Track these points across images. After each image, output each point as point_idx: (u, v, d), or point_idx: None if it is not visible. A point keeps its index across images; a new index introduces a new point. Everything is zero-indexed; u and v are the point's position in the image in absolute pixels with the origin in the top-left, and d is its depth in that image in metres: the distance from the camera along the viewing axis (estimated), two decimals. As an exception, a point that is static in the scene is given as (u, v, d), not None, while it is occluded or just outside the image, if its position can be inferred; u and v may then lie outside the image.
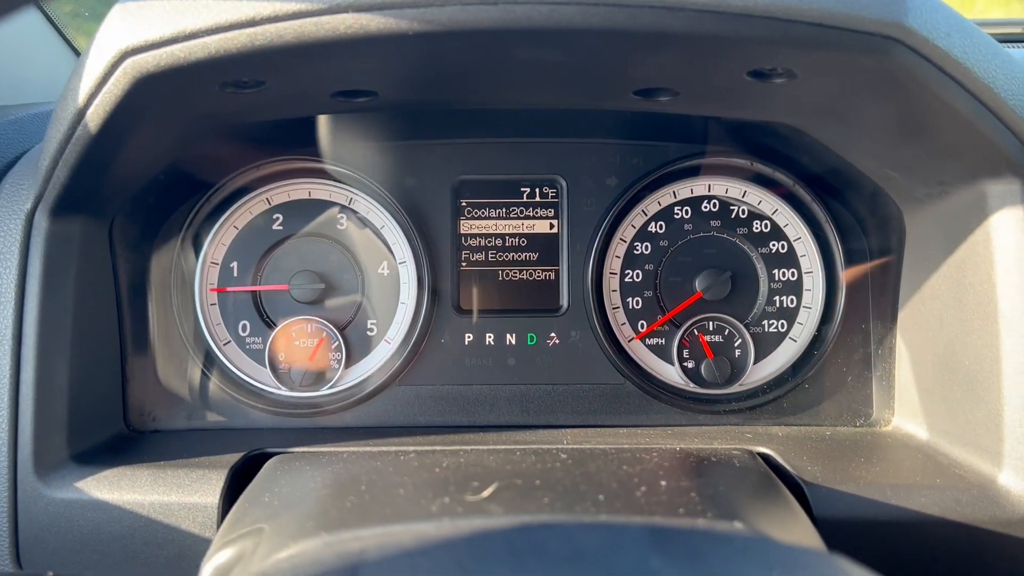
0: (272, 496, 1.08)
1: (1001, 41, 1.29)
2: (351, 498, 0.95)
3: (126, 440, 1.44)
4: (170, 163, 1.39)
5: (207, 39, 1.03)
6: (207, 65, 1.05)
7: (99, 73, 1.09)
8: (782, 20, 1.00)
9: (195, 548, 1.21)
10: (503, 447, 1.32)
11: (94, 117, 1.13)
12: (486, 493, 0.89)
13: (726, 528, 0.83)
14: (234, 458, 1.30)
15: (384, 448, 1.33)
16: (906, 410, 1.47)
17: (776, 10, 0.99)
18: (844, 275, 1.55)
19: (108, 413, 1.43)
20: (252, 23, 1.01)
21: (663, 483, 0.98)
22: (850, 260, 1.56)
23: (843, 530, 1.18)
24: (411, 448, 1.32)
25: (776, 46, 1.03)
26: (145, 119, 1.19)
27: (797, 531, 1.00)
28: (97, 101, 1.11)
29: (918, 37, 1.03)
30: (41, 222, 1.27)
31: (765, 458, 1.30)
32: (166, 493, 1.24)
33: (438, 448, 1.30)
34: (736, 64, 1.09)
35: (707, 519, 0.86)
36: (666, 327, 1.59)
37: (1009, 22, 2.08)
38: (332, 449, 1.32)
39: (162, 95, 1.13)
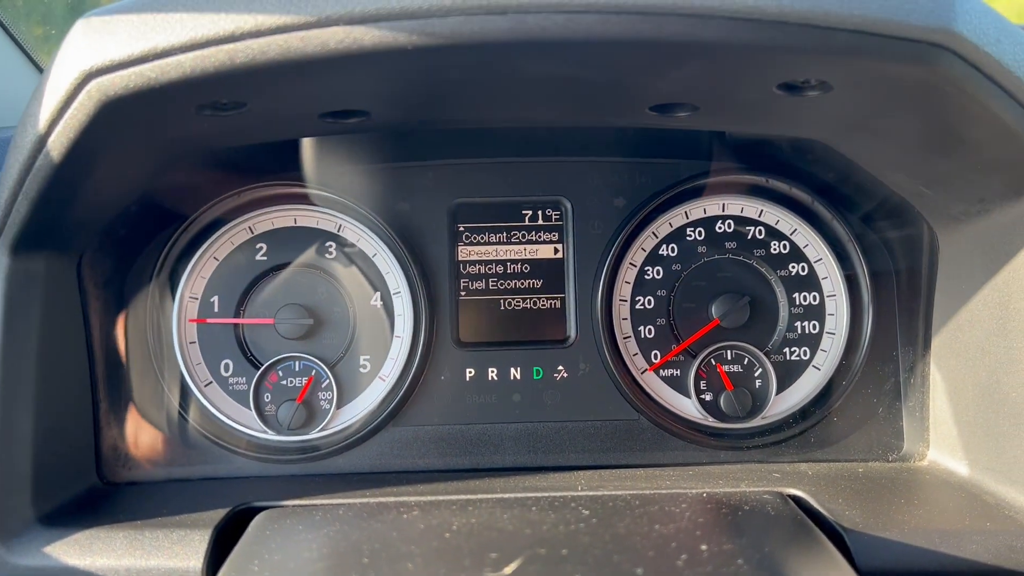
0: (262, 565, 0.96)
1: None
2: (351, 570, 0.84)
3: (99, 495, 1.32)
4: (143, 193, 1.28)
5: (181, 57, 0.92)
6: (182, 86, 0.94)
7: (61, 96, 0.98)
8: (821, 28, 0.90)
9: (176, 618, 1.10)
10: (512, 495, 1.20)
11: (57, 145, 1.02)
12: (509, 571, 0.78)
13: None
14: (218, 515, 1.18)
15: (382, 499, 1.22)
16: (943, 444, 1.37)
17: (815, 17, 0.89)
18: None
19: (79, 466, 1.31)
20: (232, 39, 0.90)
21: (703, 547, 0.88)
22: (875, 282, 1.46)
23: (889, 582, 1.08)
24: (412, 498, 1.21)
25: (814, 56, 0.94)
26: (114, 146, 1.08)
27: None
28: (59, 128, 1.00)
29: (967, 44, 0.94)
30: (1, 259, 1.15)
31: (797, 501, 1.20)
32: (144, 557, 1.12)
33: (441, 498, 1.19)
34: (768, 76, 1.00)
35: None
36: (681, 357, 1.48)
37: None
38: (325, 501, 1.21)
39: (132, 120, 1.02)
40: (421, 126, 1.29)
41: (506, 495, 1.22)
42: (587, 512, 1.00)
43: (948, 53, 0.94)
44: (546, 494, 1.21)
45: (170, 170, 1.26)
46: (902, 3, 0.91)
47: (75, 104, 0.97)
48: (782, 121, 1.19)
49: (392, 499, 1.21)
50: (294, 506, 1.20)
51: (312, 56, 0.90)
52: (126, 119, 1.01)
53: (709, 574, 0.79)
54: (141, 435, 1.40)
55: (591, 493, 1.21)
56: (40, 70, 2.03)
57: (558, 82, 1.05)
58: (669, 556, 0.84)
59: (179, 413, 1.42)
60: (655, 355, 1.49)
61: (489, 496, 1.21)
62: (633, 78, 1.03)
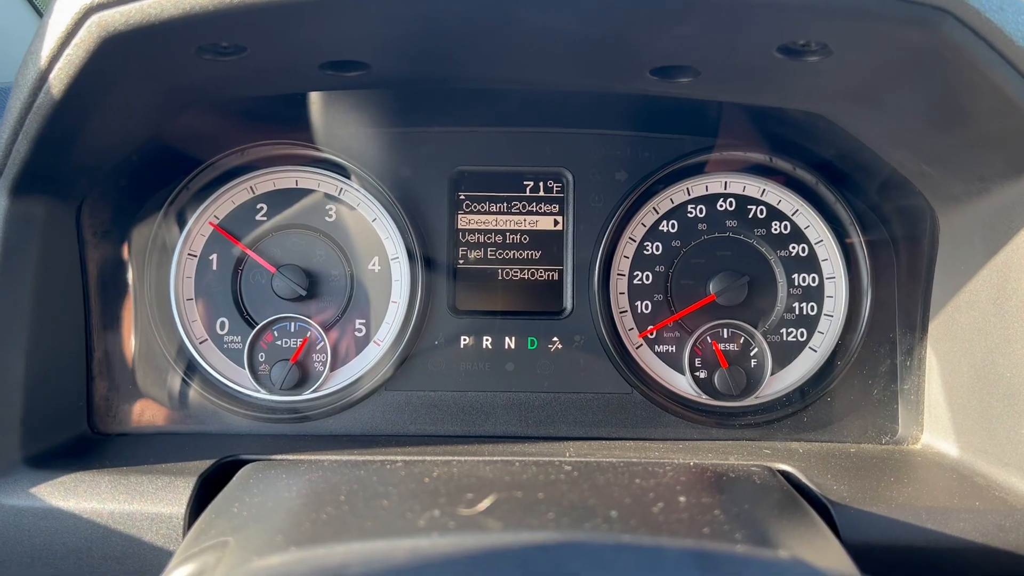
0: (242, 506, 0.96)
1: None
2: (328, 509, 0.84)
3: (89, 443, 1.32)
4: (145, 141, 1.28)
5: (182, -7, 0.92)
6: (181, 24, 0.95)
7: (62, 32, 0.98)
8: (822, -16, 0.89)
9: (158, 562, 1.10)
10: (500, 458, 1.20)
11: (57, 82, 1.02)
12: (482, 506, 0.78)
13: (765, 553, 0.72)
14: (205, 464, 1.18)
15: (371, 457, 1.22)
16: (937, 427, 1.36)
17: (816, -28, 0.89)
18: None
19: (70, 413, 1.32)
20: (231, -24, 0.91)
21: (681, 499, 0.87)
22: (875, 265, 1.45)
23: (874, 555, 1.07)
24: (399, 458, 1.21)
25: (813, 14, 0.93)
26: (115, 86, 1.08)
27: (830, 555, 0.88)
28: (60, 64, 1.01)
29: (969, 9, 0.93)
30: (0, 201, 1.16)
31: (786, 476, 1.19)
32: (128, 502, 1.12)
33: (428, 458, 1.18)
34: (767, 36, 0.99)
35: (739, 541, 0.75)
36: (676, 333, 1.48)
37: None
38: (313, 457, 1.21)
39: (132, 58, 1.03)
40: (422, 83, 1.28)
41: (494, 458, 1.22)
42: (569, 468, 0.99)
43: (949, 17, 0.93)
44: (534, 458, 1.21)
45: (173, 118, 1.26)
46: (904, -36, 0.91)
47: (76, 40, 0.98)
48: (783, 89, 1.19)
49: (379, 457, 1.21)
50: (280, 460, 1.20)
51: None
52: (127, 57, 1.01)
53: (684, 521, 0.78)
54: (133, 387, 1.40)
55: (578, 459, 1.21)
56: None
57: (558, 37, 1.04)
58: (646, 504, 0.83)
59: (173, 368, 1.43)
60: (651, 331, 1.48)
61: (475, 458, 1.21)
62: (633, 34, 1.02)
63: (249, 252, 1.45)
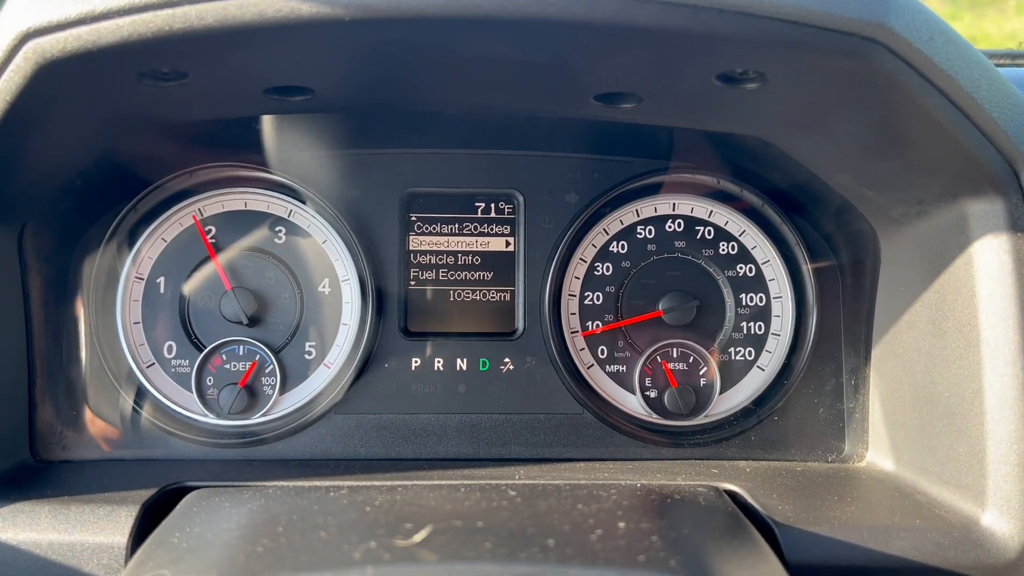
0: (182, 536, 0.95)
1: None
2: (264, 541, 0.83)
3: (30, 471, 1.30)
4: (88, 165, 1.27)
5: (119, 20, 0.92)
6: (120, 51, 0.94)
7: (-2, 59, 0.97)
8: (756, 16, 0.91)
9: (100, 594, 1.08)
10: (448, 483, 1.20)
11: (-5, 109, 1.01)
12: (418, 537, 0.78)
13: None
14: (149, 492, 1.16)
15: (318, 483, 1.21)
16: (880, 445, 1.38)
17: (750, 5, 0.91)
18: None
19: (11, 441, 1.29)
20: (169, 3, 0.90)
21: (621, 524, 0.87)
22: (820, 284, 1.48)
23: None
24: (348, 484, 1.20)
25: (749, 45, 0.95)
26: (54, 112, 1.07)
27: (770, 578, 0.90)
28: (-3, 91, 0.99)
29: (900, 40, 0.95)
30: (-64, 226, 1.14)
31: (732, 495, 1.20)
32: (68, 532, 1.10)
33: (377, 484, 1.18)
34: (705, 65, 1.01)
35: (669, 567, 0.75)
36: (627, 352, 1.49)
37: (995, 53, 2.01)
38: (258, 484, 1.19)
39: (72, 85, 1.02)
40: (367, 108, 1.29)
41: (443, 482, 1.22)
42: (513, 493, 0.99)
43: (881, 48, 0.95)
44: (485, 481, 1.21)
45: (117, 142, 1.25)
46: (837, -5, 0.93)
47: (12, 66, 0.96)
48: (724, 116, 1.20)
49: (326, 483, 1.20)
50: (225, 487, 1.18)
51: (249, 24, 0.90)
52: (65, 83, 1.00)
53: (620, 548, 0.78)
54: (78, 414, 1.38)
55: (526, 481, 1.21)
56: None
57: (499, 64, 1.05)
58: (583, 531, 0.84)
59: (119, 393, 1.41)
60: (602, 351, 1.49)
61: (424, 483, 1.20)
62: (573, 63, 1.04)
63: (216, 262, 1.43)
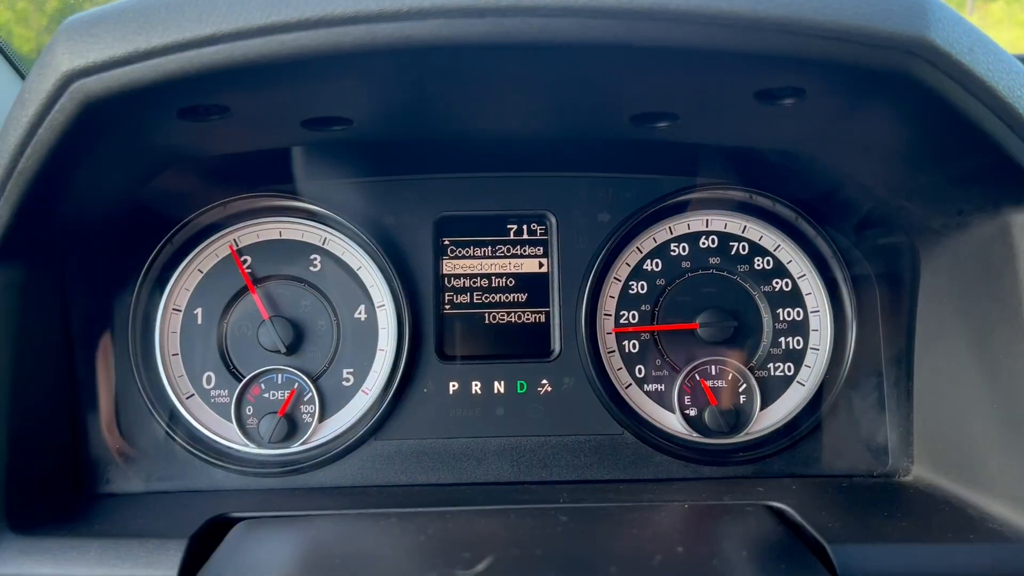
0: (235, 570, 0.95)
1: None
2: (324, 573, 0.83)
3: (76, 506, 1.30)
4: (128, 201, 1.28)
5: (161, 59, 0.93)
6: (162, 89, 0.95)
7: (43, 99, 0.98)
8: (797, 33, 0.91)
9: (150, 629, 1.08)
10: (494, 507, 1.19)
11: (39, 149, 1.02)
12: (481, 567, 0.77)
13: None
14: (195, 525, 1.16)
15: (362, 511, 1.21)
16: (926, 458, 1.37)
17: (790, 22, 0.90)
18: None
19: (56, 476, 1.30)
20: (212, 41, 0.91)
21: (679, 549, 0.87)
22: (859, 298, 1.47)
23: (871, 594, 1.06)
24: (392, 510, 1.20)
25: (788, 62, 0.94)
26: (97, 151, 1.08)
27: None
28: (41, 131, 1.00)
29: (941, 52, 0.95)
30: (-20, 268, 1.15)
31: (780, 514, 1.19)
32: (117, 567, 1.10)
33: (421, 510, 1.17)
34: (744, 83, 1.01)
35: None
36: (665, 371, 1.48)
37: None
38: (304, 513, 1.19)
39: (115, 123, 1.03)
40: (404, 137, 1.29)
41: (487, 507, 1.21)
42: (565, 518, 0.98)
43: (921, 61, 0.95)
44: (528, 506, 1.20)
45: (155, 179, 1.26)
46: (876, 10, 0.93)
47: (57, 106, 0.98)
48: (761, 131, 1.20)
49: (371, 511, 1.20)
50: (272, 517, 1.18)
51: (291, 58, 0.91)
52: (108, 122, 1.01)
53: (683, 572, 0.78)
54: (120, 447, 1.39)
55: (572, 505, 1.20)
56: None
57: (539, 89, 1.06)
58: (644, 557, 0.83)
59: (159, 425, 1.41)
60: (639, 370, 1.48)
61: (469, 508, 1.20)
62: (612, 85, 1.04)
63: (253, 292, 1.44)
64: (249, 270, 1.46)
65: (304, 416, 1.44)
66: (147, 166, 1.21)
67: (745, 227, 1.50)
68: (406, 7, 0.88)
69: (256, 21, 0.90)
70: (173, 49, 0.92)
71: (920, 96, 0.98)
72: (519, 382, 1.47)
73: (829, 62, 0.94)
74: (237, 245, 1.46)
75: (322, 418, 1.44)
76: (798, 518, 1.17)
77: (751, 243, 1.50)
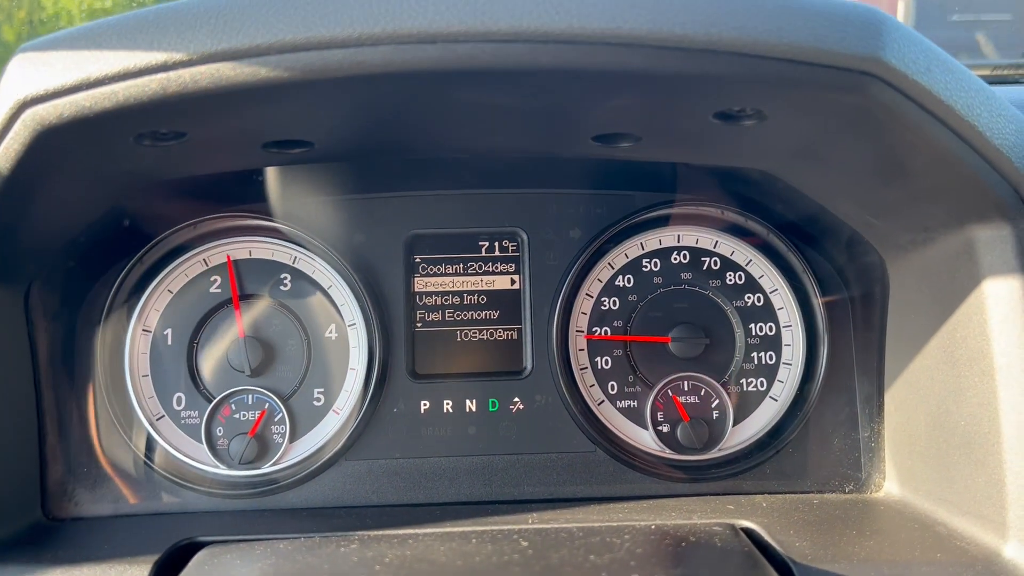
0: (194, 600, 0.94)
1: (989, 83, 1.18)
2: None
3: (43, 531, 1.29)
4: (91, 223, 1.27)
5: (114, 86, 0.92)
6: (117, 115, 0.94)
7: (-3, 126, 0.97)
8: (750, 56, 0.91)
9: (113, 657, 1.07)
10: (460, 529, 1.19)
11: (-5, 175, 1.01)
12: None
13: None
14: (159, 551, 1.16)
15: (329, 533, 1.20)
16: (897, 474, 1.36)
17: (743, 45, 0.90)
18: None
19: (22, 501, 1.29)
20: (164, 68, 0.91)
21: (636, 575, 0.86)
22: (830, 312, 1.46)
23: (837, 615, 1.06)
24: (358, 532, 1.19)
25: (744, 84, 0.94)
26: (55, 176, 1.08)
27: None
28: (-3, 157, 1.00)
29: (896, 72, 0.94)
30: (-58, 292, 1.14)
31: (748, 533, 1.18)
32: (81, 594, 1.09)
33: (386, 532, 1.17)
34: (701, 105, 1.00)
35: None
36: (638, 387, 1.47)
37: (995, 63, 2.00)
38: (269, 537, 1.18)
39: (71, 150, 1.02)
40: (367, 157, 1.29)
41: (455, 529, 1.21)
42: (525, 544, 0.98)
43: (878, 81, 0.94)
44: (497, 528, 1.20)
45: (119, 201, 1.26)
46: (831, 32, 0.92)
47: (11, 134, 0.97)
48: (724, 151, 1.20)
49: (339, 534, 1.19)
50: (236, 541, 1.18)
51: (245, 85, 0.91)
52: (63, 148, 1.01)
53: (633, 604, 0.77)
54: (89, 470, 1.38)
55: (538, 526, 1.20)
56: None
57: (496, 111, 1.05)
58: (598, 586, 0.82)
59: (129, 447, 1.40)
60: (611, 386, 1.48)
61: (436, 530, 1.19)
62: (570, 108, 1.04)
63: (236, 309, 1.44)
64: (218, 290, 1.45)
65: (275, 437, 1.43)
66: (107, 189, 1.20)
67: (717, 242, 1.50)
68: (356, 33, 0.87)
69: (207, 48, 0.89)
70: (125, 76, 0.92)
71: (878, 116, 0.98)
72: (491, 400, 1.46)
73: (784, 84, 0.94)
74: (207, 265, 1.45)
75: (293, 438, 1.44)
76: (766, 538, 1.17)
77: (723, 258, 1.50)
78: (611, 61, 0.89)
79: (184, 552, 1.16)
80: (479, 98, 1.00)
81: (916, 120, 0.98)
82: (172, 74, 0.91)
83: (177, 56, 0.90)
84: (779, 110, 1.01)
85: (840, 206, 1.29)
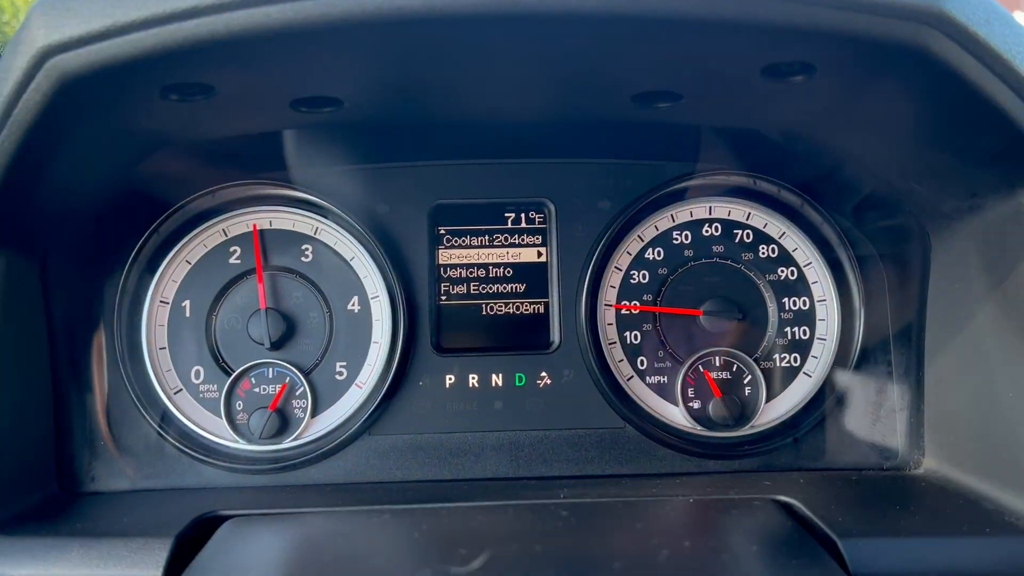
0: (221, 570, 0.91)
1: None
2: (312, 572, 0.79)
3: (58, 504, 1.25)
4: (111, 188, 1.24)
5: (141, 33, 0.88)
6: (144, 65, 0.91)
7: (17, 77, 0.93)
8: (807, 3, 0.87)
9: (134, 632, 1.03)
10: (491, 503, 1.15)
11: (14, 130, 0.97)
12: (476, 564, 0.73)
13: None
14: (181, 524, 1.12)
15: (355, 508, 1.16)
16: (939, 450, 1.32)
17: (800, -9, 0.86)
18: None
19: (38, 474, 1.25)
20: (193, 13, 0.87)
21: (686, 544, 0.82)
22: (867, 286, 1.42)
23: (884, 590, 1.02)
24: (385, 506, 1.15)
25: (798, 34, 0.90)
26: (77, 132, 1.04)
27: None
28: (17, 111, 0.96)
29: (957, 23, 0.91)
30: (-42, 256, 1.11)
31: (789, 508, 1.15)
32: (100, 567, 1.05)
33: (416, 506, 1.13)
34: (751, 58, 0.96)
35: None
36: (668, 363, 1.44)
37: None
38: (295, 511, 1.15)
39: (94, 103, 0.98)
40: (397, 119, 1.25)
41: (484, 503, 1.17)
42: (566, 513, 0.94)
43: (936, 32, 0.91)
44: (527, 502, 1.16)
45: (140, 164, 1.22)
46: (890, -20, 0.89)
47: (33, 85, 0.93)
48: (767, 112, 1.16)
49: (365, 508, 1.16)
50: (260, 515, 1.14)
51: (277, 31, 0.87)
52: (87, 102, 0.97)
53: (691, 569, 0.74)
54: (105, 443, 1.34)
55: (572, 500, 1.16)
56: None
57: (536, 66, 1.01)
58: (650, 553, 0.79)
59: (146, 421, 1.37)
60: (641, 361, 1.44)
61: (466, 504, 1.16)
62: (613, 60, 0.99)
63: (260, 277, 1.40)
64: (238, 261, 1.41)
65: (296, 411, 1.40)
66: (130, 150, 1.16)
67: (749, 214, 1.46)
68: (397, -25, 0.83)
69: (239, -8, 0.85)
70: (153, 23, 0.88)
71: (934, 70, 0.94)
72: (517, 375, 1.43)
73: (840, 34, 0.90)
74: (226, 235, 1.42)
75: (314, 413, 1.40)
76: (807, 512, 1.13)
77: (755, 230, 1.46)
78: (662, 7, 0.85)
79: (206, 526, 1.13)
80: (518, 49, 0.96)
81: (974, 74, 0.94)
82: (203, 20, 0.87)
83: (206, 1, 0.86)
84: (830, 64, 0.97)
85: (883, 172, 1.25)
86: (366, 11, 0.85)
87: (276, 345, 1.39)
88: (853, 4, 0.88)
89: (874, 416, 1.41)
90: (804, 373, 1.44)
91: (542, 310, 1.45)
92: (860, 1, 0.88)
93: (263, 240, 1.42)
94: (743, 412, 1.41)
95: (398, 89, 1.08)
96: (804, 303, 1.45)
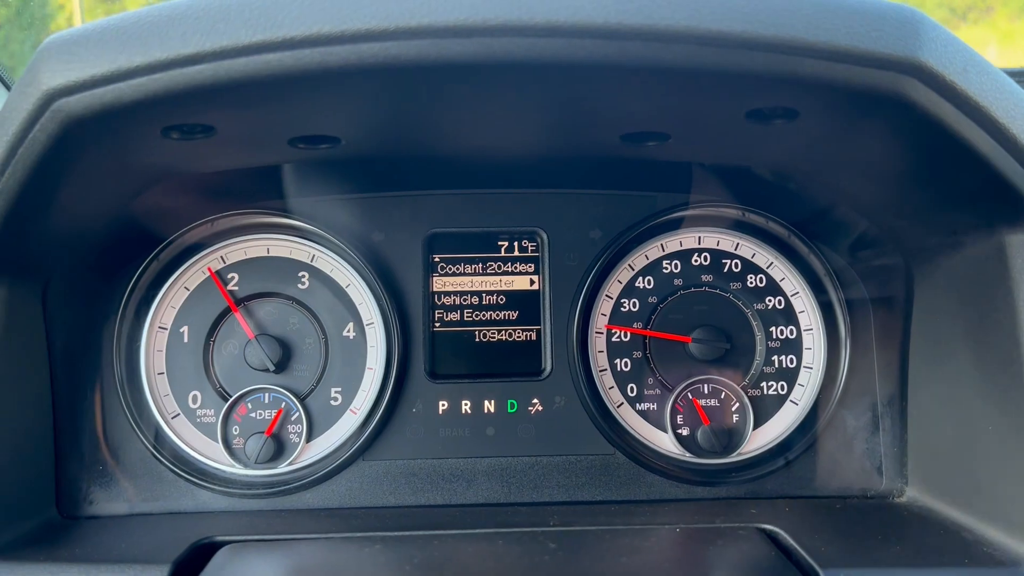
0: (217, 599, 0.93)
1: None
2: (306, 605, 0.81)
3: (58, 529, 1.27)
4: (111, 219, 1.26)
5: (144, 79, 0.91)
6: (145, 108, 0.93)
7: (23, 118, 0.96)
8: (788, 53, 0.90)
9: (131, 658, 1.05)
10: (483, 531, 1.17)
11: (19, 167, 1.00)
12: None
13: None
14: (179, 549, 1.14)
15: (349, 534, 1.19)
16: (920, 480, 1.35)
17: (781, 42, 0.89)
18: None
19: (37, 498, 1.27)
20: (195, 60, 0.90)
21: (671, 574, 0.85)
22: (852, 316, 1.45)
23: (865, 620, 1.05)
24: (379, 533, 1.18)
25: (780, 82, 0.93)
26: (79, 170, 1.07)
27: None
28: (22, 150, 0.98)
29: (934, 72, 0.94)
30: (-39, 286, 1.13)
31: (773, 537, 1.17)
32: (99, 593, 1.08)
33: (409, 533, 1.15)
34: (734, 104, 0.99)
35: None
36: (657, 390, 1.46)
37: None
38: (289, 537, 1.17)
39: (97, 143, 1.01)
40: (393, 155, 1.28)
41: (475, 531, 1.19)
42: (553, 545, 0.97)
43: (914, 81, 0.94)
44: (517, 530, 1.18)
45: (140, 196, 1.25)
46: (869, 30, 0.92)
47: (38, 125, 0.96)
48: (754, 151, 1.19)
49: (358, 534, 1.18)
50: (256, 541, 1.16)
51: (277, 78, 0.89)
52: (90, 141, 0.99)
53: (673, 607, 0.76)
54: (104, 468, 1.37)
55: (561, 528, 1.18)
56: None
57: (527, 108, 1.04)
58: (633, 588, 0.81)
59: (144, 445, 1.39)
60: (631, 388, 1.46)
61: (458, 531, 1.18)
62: (601, 105, 1.02)
63: (236, 312, 1.42)
64: (235, 288, 1.44)
65: (291, 436, 1.42)
66: (131, 184, 1.19)
67: (738, 244, 1.49)
68: (393, 26, 0.86)
69: (241, 40, 0.88)
70: (156, 68, 0.90)
71: (913, 117, 0.97)
72: (509, 401, 1.45)
73: (820, 83, 0.93)
74: (224, 262, 1.44)
75: (310, 438, 1.42)
76: (791, 541, 1.15)
77: (744, 260, 1.49)
78: (648, 56, 0.88)
79: (201, 553, 1.15)
80: (513, 94, 0.99)
81: (952, 121, 0.97)
82: (204, 66, 0.90)
83: (209, 47, 0.89)
84: (812, 109, 1.00)
85: (866, 208, 1.28)
86: (363, 60, 0.87)
87: (279, 367, 1.41)
88: (833, 54, 0.91)
89: (859, 444, 1.43)
90: (791, 401, 1.46)
91: (534, 337, 1.48)
92: (840, 51, 0.91)
93: (256, 268, 1.44)
94: (731, 439, 1.44)
95: (393, 129, 1.11)
96: (791, 332, 1.48)
